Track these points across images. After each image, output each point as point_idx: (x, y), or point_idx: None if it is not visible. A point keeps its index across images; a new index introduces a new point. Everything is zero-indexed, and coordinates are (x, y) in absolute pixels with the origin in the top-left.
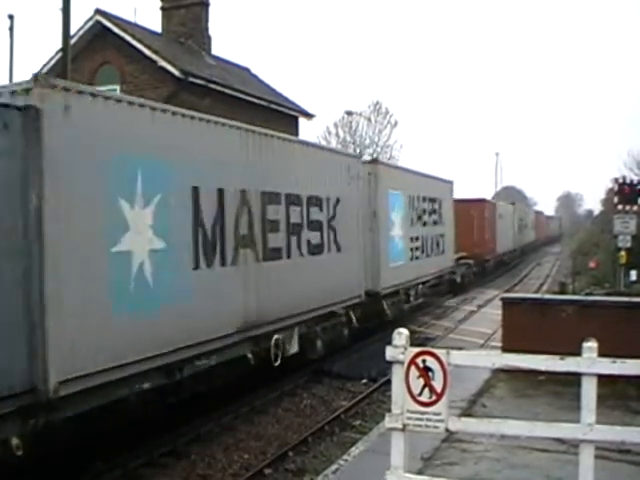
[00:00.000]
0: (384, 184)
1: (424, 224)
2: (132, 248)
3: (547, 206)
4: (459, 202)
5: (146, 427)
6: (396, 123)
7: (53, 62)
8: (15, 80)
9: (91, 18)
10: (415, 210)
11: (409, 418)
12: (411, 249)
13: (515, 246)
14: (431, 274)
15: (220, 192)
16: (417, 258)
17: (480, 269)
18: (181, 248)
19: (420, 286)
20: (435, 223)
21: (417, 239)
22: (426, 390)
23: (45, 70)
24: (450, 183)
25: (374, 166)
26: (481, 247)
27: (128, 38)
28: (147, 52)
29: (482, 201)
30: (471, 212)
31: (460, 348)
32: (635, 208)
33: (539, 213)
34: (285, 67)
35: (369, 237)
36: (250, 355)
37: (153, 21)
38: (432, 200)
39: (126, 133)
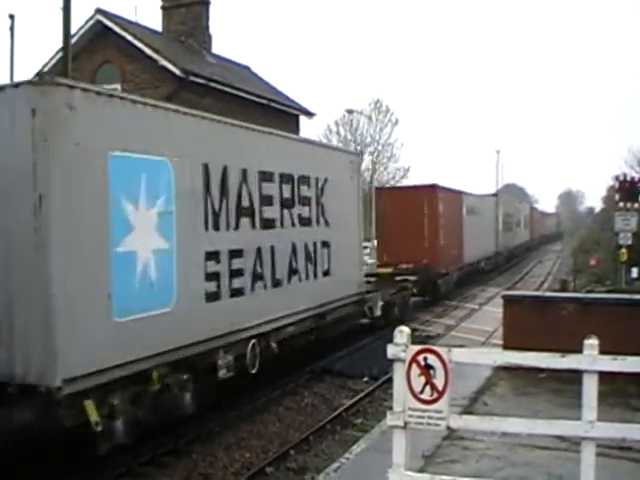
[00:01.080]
0: (89, 139)
1: (268, 225)
2: None
3: (548, 204)
4: (399, 190)
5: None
6: (397, 121)
7: (54, 62)
8: (15, 79)
9: (92, 17)
10: (233, 196)
11: (411, 416)
12: (209, 276)
13: (499, 249)
14: (290, 316)
15: None
16: (237, 293)
17: (431, 288)
18: None
19: (252, 342)
20: (307, 223)
21: (238, 254)
22: (427, 388)
23: (46, 69)
24: (354, 155)
25: (40, 94)
26: (433, 256)
27: (129, 37)
28: (148, 51)
29: (433, 188)
30: (417, 205)
31: (461, 346)
32: (636, 205)
33: (534, 209)
34: (286, 65)
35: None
36: None
37: (154, 20)
38: (298, 180)
39: None
